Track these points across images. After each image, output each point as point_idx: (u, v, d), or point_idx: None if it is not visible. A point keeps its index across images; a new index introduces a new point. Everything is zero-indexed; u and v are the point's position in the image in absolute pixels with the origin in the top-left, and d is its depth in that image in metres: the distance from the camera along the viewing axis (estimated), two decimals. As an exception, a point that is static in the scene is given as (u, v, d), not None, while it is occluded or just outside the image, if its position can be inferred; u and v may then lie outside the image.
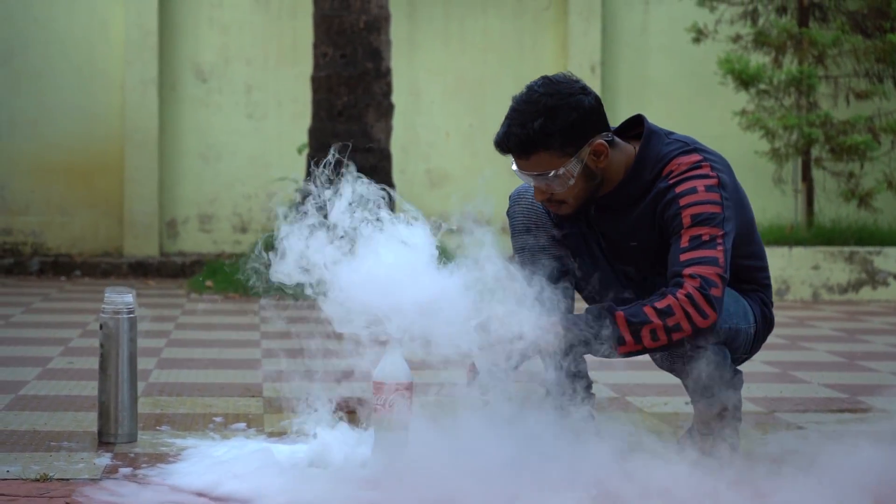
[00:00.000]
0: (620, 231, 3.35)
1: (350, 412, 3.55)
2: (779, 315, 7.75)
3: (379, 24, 8.95)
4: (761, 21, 9.65)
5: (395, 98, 9.12)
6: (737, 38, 9.53)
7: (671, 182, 3.22)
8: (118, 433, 3.62)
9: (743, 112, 8.63)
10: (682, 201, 3.19)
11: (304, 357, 5.42)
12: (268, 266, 3.45)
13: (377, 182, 4.10)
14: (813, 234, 8.28)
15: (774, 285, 3.80)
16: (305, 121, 9.17)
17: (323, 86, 9.04)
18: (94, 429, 3.65)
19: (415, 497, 2.92)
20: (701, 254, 3.16)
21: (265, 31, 10.77)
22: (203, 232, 10.71)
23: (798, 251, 8.07)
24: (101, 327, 3.60)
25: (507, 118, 3.16)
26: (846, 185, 8.69)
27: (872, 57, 9.35)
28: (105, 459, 3.30)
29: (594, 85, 10.49)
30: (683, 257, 3.18)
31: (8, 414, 4.07)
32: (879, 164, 9.14)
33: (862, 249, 8.07)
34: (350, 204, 3.08)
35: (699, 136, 3.63)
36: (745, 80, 8.49)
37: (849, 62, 9.53)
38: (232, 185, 10.68)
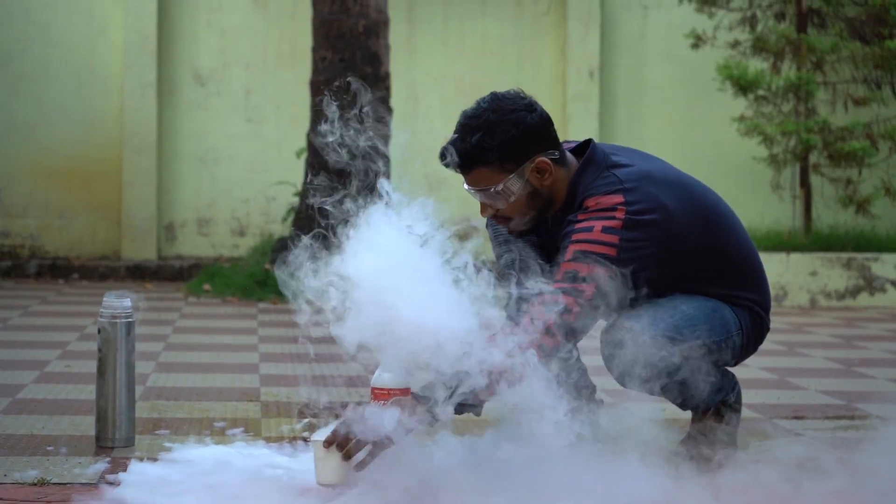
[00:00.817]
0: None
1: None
2: (776, 321, 7.82)
3: (378, 28, 8.96)
4: (760, 27, 9.66)
5: (394, 102, 9.09)
6: (735, 44, 9.53)
7: (578, 217, 3.23)
8: (116, 437, 3.61)
9: (741, 118, 8.69)
10: (575, 236, 3.19)
11: (302, 362, 5.44)
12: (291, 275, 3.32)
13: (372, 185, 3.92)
14: (811, 240, 8.32)
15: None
16: (304, 125, 9.14)
17: (322, 90, 8.62)
18: (92, 433, 3.65)
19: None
20: (568, 286, 3.15)
21: (264, 34, 10.79)
22: (201, 236, 10.69)
23: (796, 257, 8.11)
24: (99, 331, 3.61)
25: (453, 132, 3.18)
26: (844, 192, 8.72)
27: (871, 63, 9.34)
28: (102, 464, 3.29)
29: (593, 90, 11.04)
30: (551, 289, 3.16)
31: (6, 418, 4.05)
32: (877, 170, 9.16)
33: (860, 256, 8.12)
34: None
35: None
36: (743, 85, 8.52)
37: (847, 68, 9.55)
38: (230, 189, 10.69)
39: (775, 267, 7.82)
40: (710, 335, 3.27)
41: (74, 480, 3.08)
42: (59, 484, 3.03)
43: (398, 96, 9.38)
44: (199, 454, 3.48)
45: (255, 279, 8.72)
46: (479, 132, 3.15)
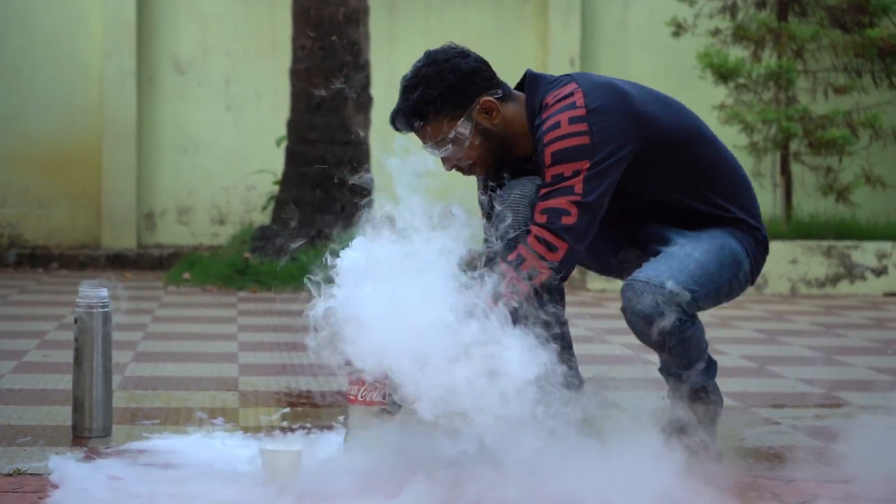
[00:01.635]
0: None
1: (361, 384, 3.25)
2: (756, 309, 7.73)
3: (358, 16, 8.90)
4: (740, 15, 9.59)
5: (374, 91, 9.04)
6: (716, 32, 9.49)
7: (543, 118, 3.22)
8: (93, 428, 3.58)
9: (721, 106, 8.67)
10: (546, 138, 3.20)
11: (281, 351, 5.37)
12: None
13: (355, 174, 4.61)
14: (791, 228, 8.39)
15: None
16: (284, 113, 9.14)
17: (302, 78, 8.93)
18: (69, 423, 3.62)
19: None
20: (557, 187, 3.18)
21: (244, 22, 10.73)
22: (181, 224, 10.67)
23: (776, 245, 8.09)
24: (75, 321, 3.59)
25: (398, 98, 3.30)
26: (824, 180, 8.81)
27: (851, 52, 9.36)
28: (78, 454, 3.26)
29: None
30: (541, 196, 3.21)
31: None
32: (857, 158, 9.20)
33: (840, 244, 8.19)
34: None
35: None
36: (723, 74, 8.57)
37: (828, 57, 9.58)
38: (210, 177, 10.62)
39: (756, 255, 7.87)
40: (721, 275, 3.33)
41: (37, 470, 3.05)
42: (35, 475, 3.00)
43: (378, 84, 9.20)
44: (158, 444, 3.48)
45: (234, 268, 8.63)
46: (420, 87, 3.20)
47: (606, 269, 3.77)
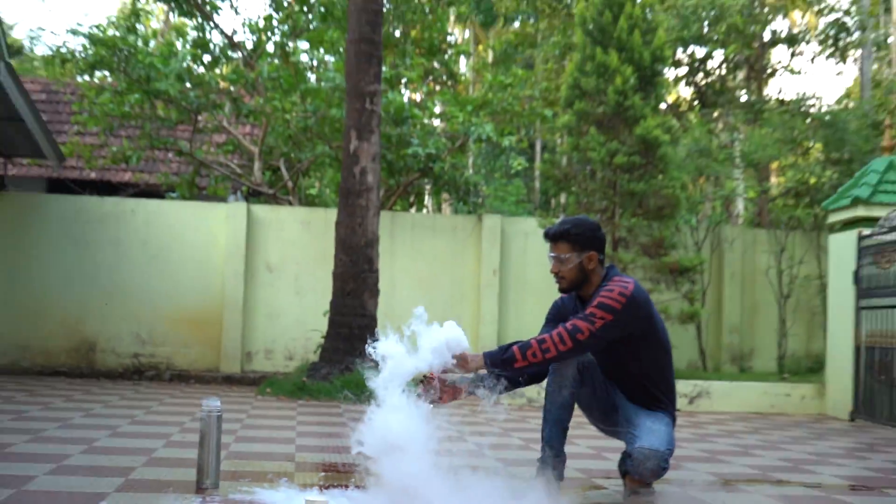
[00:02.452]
0: None
1: (425, 381, 4.00)
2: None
3: (372, 243, 10.01)
4: None
5: (381, 286, 10.30)
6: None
7: (607, 284, 3.97)
8: (208, 483, 4.03)
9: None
10: (602, 292, 3.91)
11: (321, 437, 6.08)
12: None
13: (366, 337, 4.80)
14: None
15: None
16: (328, 297, 10.34)
17: (339, 278, 10.05)
18: (194, 479, 4.18)
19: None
20: (586, 315, 3.87)
21: (307, 244, 12.27)
22: (266, 359, 12.15)
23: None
24: (200, 420, 4.07)
25: (549, 226, 4.15)
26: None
27: (653, 270, 11.12)
28: (198, 499, 3.79)
29: (495, 282, 12.11)
30: (575, 316, 3.93)
31: (145, 469, 4.58)
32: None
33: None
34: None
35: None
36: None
37: (640, 272, 11.04)
38: (285, 333, 12.18)
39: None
40: (673, 440, 4.11)
41: None
42: None
43: (383, 282, 10.57)
44: (247, 493, 3.97)
45: (297, 387, 9.60)
46: (570, 224, 4.04)
47: (590, 417, 4.41)
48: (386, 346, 3.83)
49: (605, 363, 4.11)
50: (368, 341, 3.82)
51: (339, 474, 4.65)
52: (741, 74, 17.42)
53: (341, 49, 13.27)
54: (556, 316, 4.18)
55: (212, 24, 14.98)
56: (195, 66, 14.35)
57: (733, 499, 4.49)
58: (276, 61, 14.25)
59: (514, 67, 16.03)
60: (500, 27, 20.26)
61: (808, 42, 17.26)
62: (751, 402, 10.11)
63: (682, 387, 10.03)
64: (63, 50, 14.00)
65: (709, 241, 12.67)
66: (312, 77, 14.16)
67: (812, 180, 12.55)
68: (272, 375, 11.13)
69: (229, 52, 15.14)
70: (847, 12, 17.11)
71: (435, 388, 3.81)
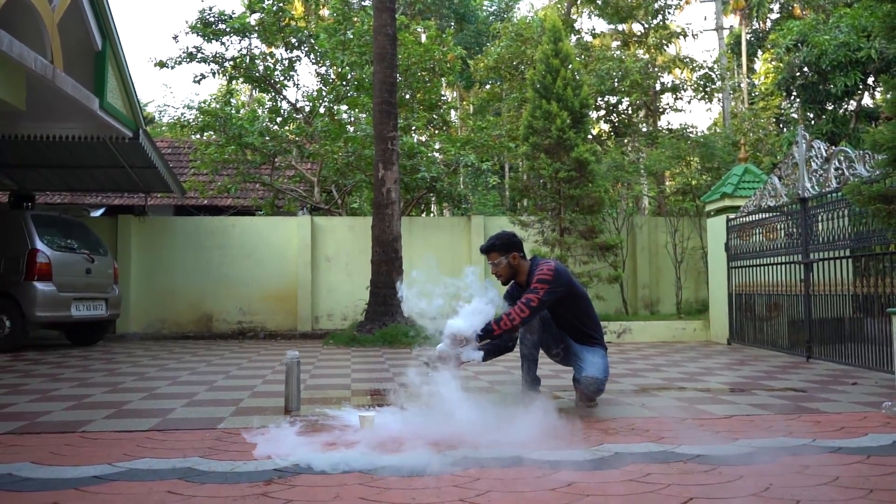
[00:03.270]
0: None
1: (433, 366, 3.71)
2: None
3: (397, 238, 9.89)
4: (546, 226, 10.47)
5: (404, 267, 9.99)
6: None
7: (537, 268, 3.87)
8: (293, 407, 3.95)
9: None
10: (537, 273, 3.84)
11: (369, 372, 5.91)
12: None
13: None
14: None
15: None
16: (368, 276, 10.32)
17: (375, 263, 9.92)
18: (282, 405, 4.10)
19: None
20: (533, 288, 3.78)
21: (353, 242, 12.06)
22: (328, 321, 11.98)
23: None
24: (286, 365, 3.98)
25: (482, 245, 4.00)
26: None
27: (589, 248, 10.45)
28: (287, 419, 3.70)
29: (481, 262, 9.08)
30: (530, 289, 3.81)
31: (250, 399, 4.49)
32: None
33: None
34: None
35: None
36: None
37: (580, 250, 10.52)
38: (340, 302, 11.99)
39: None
40: (608, 367, 4.02)
41: (270, 424, 3.50)
42: (267, 427, 3.43)
43: (405, 265, 10.10)
44: (319, 413, 3.74)
45: (350, 338, 9.48)
46: (494, 239, 3.98)
47: (549, 353, 4.18)
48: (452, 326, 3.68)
49: (553, 317, 4.02)
50: (398, 304, 3.61)
51: (381, 397, 4.55)
52: (642, 113, 17.52)
53: (370, 109, 13.07)
54: (511, 295, 4.04)
55: (281, 96, 15.05)
56: (271, 125, 14.38)
57: (650, 401, 4.40)
58: (326, 119, 14.26)
59: (488, 116, 16.21)
60: (477, 89, 20.46)
61: (685, 90, 17.38)
62: (659, 335, 9.93)
63: (613, 326, 9.87)
64: (181, 119, 14.16)
65: (625, 227, 12.41)
66: (351, 129, 14.07)
67: (693, 182, 12.40)
68: (333, 331, 10.88)
69: (294, 115, 15.12)
70: (711, 69, 17.26)
71: (444, 359, 3.65)
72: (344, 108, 14.88)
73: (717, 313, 9.65)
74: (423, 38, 14.94)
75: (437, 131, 16.10)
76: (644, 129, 17.29)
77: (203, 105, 13.82)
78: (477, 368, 6.06)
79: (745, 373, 5.97)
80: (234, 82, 14.62)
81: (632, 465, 2.69)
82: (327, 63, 14.33)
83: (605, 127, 17.78)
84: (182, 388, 5.06)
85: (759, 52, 21.62)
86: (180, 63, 13.66)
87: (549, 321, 3.97)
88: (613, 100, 16.73)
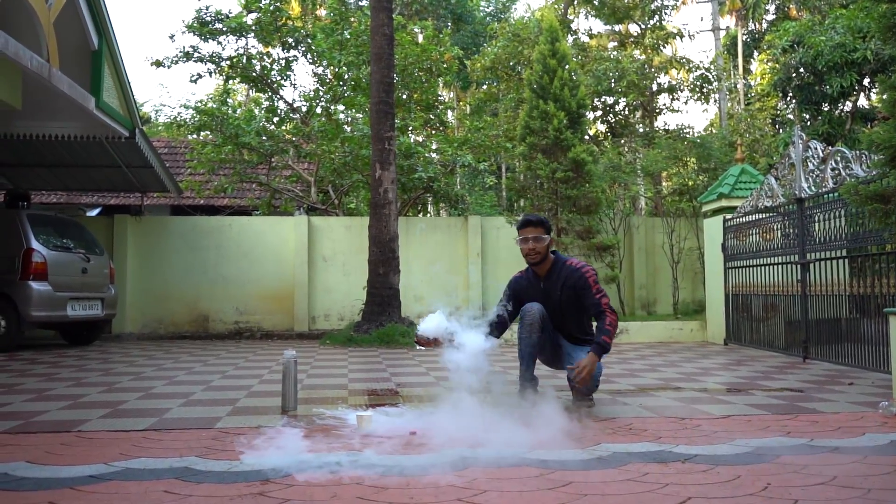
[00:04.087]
0: (553, 289, 3.97)
1: (428, 344, 3.82)
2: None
3: (394, 238, 9.86)
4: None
5: (401, 267, 10.27)
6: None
7: (574, 264, 3.92)
8: (289, 406, 3.93)
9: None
10: (585, 272, 3.92)
11: (365, 372, 5.84)
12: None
13: (393, 303, 6.25)
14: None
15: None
16: (365, 276, 10.21)
17: (372, 263, 9.90)
18: (279, 405, 4.09)
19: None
20: (598, 297, 3.88)
21: (349, 241, 12.01)
22: (325, 321, 11.90)
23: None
24: (282, 364, 3.96)
25: (525, 216, 4.00)
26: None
27: (586, 248, 10.47)
28: (283, 418, 3.66)
29: (478, 261, 11.70)
30: (597, 297, 3.88)
31: (248, 398, 4.45)
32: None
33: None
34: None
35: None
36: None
37: (578, 250, 10.49)
38: (336, 302, 11.90)
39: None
40: (601, 368, 4.03)
41: (266, 424, 3.49)
42: (264, 426, 3.41)
43: (402, 265, 10.56)
44: (315, 413, 3.69)
45: (347, 338, 9.43)
46: (541, 216, 4.04)
47: (550, 359, 4.25)
48: (430, 318, 3.75)
49: (562, 318, 4.02)
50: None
51: (378, 397, 4.55)
52: (638, 114, 17.58)
53: (367, 109, 13.14)
54: (515, 291, 4.03)
55: (278, 96, 15.01)
56: (268, 125, 14.32)
57: (648, 401, 4.41)
58: (323, 119, 14.19)
59: (485, 116, 16.32)
60: (474, 89, 20.42)
61: (682, 90, 17.44)
62: (656, 335, 9.91)
63: (609, 327, 9.91)
64: (178, 118, 13.99)
65: (622, 228, 12.38)
66: (348, 129, 14.03)
67: (690, 183, 12.37)
68: (330, 332, 10.89)
69: (291, 115, 15.11)
70: (707, 70, 17.31)
71: (427, 343, 3.72)
72: (341, 108, 14.82)
73: (713, 314, 9.62)
74: (420, 38, 14.93)
75: (434, 131, 16.04)
76: (641, 130, 17.35)
77: (200, 105, 13.62)
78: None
79: (742, 373, 5.97)
80: (230, 82, 15.05)
81: (630, 464, 2.69)
82: (324, 63, 14.31)
83: (602, 127, 17.83)
84: (178, 388, 5.04)
85: (756, 53, 21.74)
86: (177, 62, 13.63)
87: (548, 322, 3.96)
88: (610, 100, 16.77)
